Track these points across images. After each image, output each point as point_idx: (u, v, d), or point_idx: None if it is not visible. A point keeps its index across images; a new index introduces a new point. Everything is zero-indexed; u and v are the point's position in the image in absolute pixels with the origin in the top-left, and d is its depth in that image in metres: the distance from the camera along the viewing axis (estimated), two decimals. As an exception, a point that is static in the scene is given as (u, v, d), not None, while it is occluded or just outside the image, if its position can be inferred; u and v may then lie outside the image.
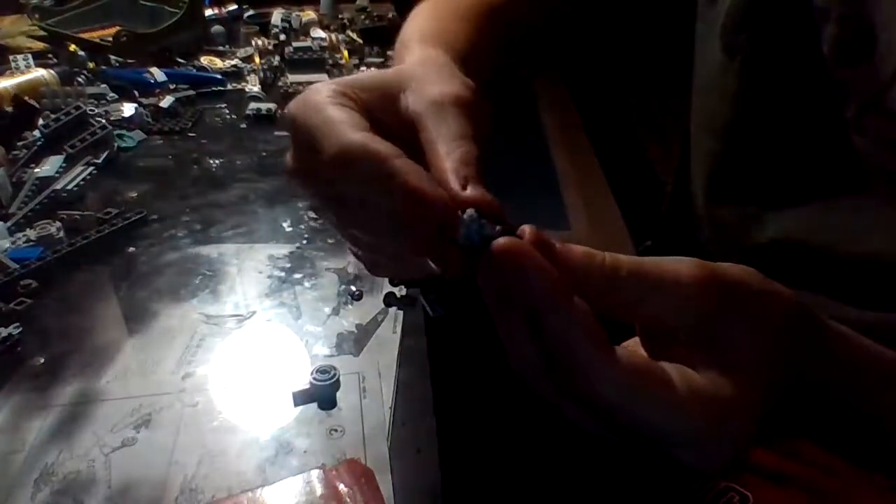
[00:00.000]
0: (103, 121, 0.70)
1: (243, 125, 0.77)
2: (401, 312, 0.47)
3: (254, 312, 0.48)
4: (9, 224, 0.57)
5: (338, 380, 0.40)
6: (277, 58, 0.91)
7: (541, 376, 0.25)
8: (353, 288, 0.50)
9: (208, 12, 1.01)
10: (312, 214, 0.59)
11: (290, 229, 0.58)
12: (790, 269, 0.50)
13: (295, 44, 0.92)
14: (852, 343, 0.29)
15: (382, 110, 0.31)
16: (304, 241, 0.56)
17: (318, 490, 0.34)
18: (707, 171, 0.54)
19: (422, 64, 0.35)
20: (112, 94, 0.78)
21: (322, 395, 0.40)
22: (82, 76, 0.82)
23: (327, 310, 0.48)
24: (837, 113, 0.44)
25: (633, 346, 0.28)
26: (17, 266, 0.51)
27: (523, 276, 0.24)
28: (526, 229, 0.25)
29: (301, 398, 0.40)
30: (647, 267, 0.26)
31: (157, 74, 0.83)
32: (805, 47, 0.44)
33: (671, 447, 0.26)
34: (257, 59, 0.91)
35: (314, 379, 0.40)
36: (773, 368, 0.26)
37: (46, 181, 0.62)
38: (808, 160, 0.47)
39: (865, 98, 0.42)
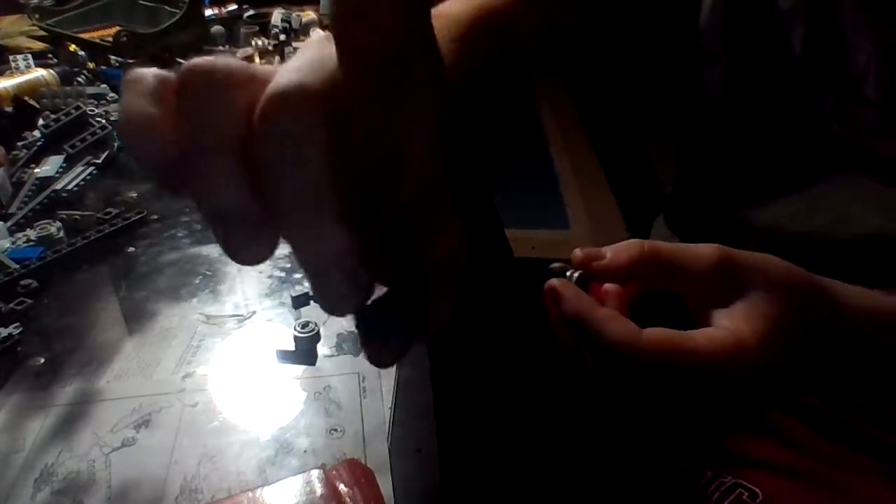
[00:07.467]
0: (103, 121, 0.70)
1: (243, 125, 0.77)
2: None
3: (254, 312, 0.48)
4: (9, 224, 0.56)
5: (318, 333, 0.44)
6: (277, 58, 0.91)
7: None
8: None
9: (208, 12, 1.01)
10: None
11: (290, 229, 0.58)
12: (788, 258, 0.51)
13: (295, 44, 0.92)
14: (858, 302, 0.35)
15: None
16: (304, 241, 0.56)
17: (318, 490, 0.34)
18: (704, 171, 0.56)
19: None
20: (112, 94, 0.78)
21: (303, 349, 0.43)
22: (82, 76, 0.82)
23: (327, 310, 0.48)
24: (815, 107, 0.46)
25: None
26: (17, 266, 0.51)
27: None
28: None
29: (283, 355, 0.44)
30: (677, 251, 0.33)
31: (158, 74, 0.83)
32: (778, 49, 0.47)
33: (698, 393, 0.32)
34: (257, 60, 0.91)
35: (297, 333, 0.43)
36: (779, 326, 0.32)
37: (46, 181, 0.62)
38: (793, 154, 0.49)
39: (842, 91, 0.44)
